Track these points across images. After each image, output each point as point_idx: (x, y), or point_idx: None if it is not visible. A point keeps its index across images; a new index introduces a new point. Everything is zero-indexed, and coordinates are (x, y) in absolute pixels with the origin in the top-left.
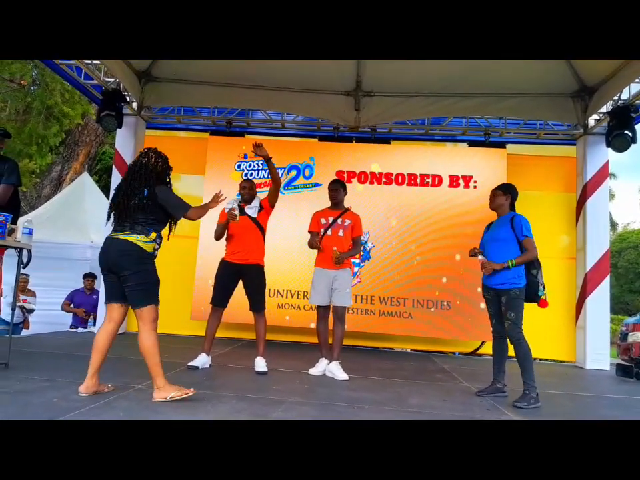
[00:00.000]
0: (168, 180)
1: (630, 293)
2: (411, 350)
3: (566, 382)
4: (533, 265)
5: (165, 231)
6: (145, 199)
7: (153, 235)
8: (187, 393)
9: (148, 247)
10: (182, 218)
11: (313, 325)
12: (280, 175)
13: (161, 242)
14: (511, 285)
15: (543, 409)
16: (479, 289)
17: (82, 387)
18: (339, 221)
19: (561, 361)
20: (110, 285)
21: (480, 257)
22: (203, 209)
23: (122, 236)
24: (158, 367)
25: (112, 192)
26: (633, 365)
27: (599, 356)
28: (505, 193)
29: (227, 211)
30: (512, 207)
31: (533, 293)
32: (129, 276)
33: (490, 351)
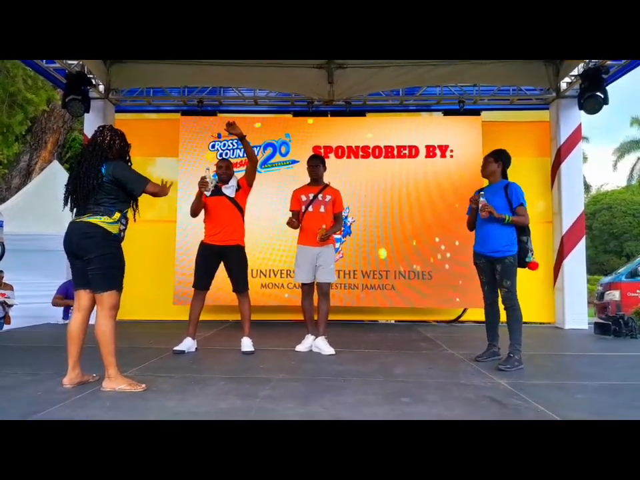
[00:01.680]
0: (127, 158)
1: (605, 254)
2: (395, 321)
3: (546, 342)
4: (524, 232)
5: (130, 214)
6: (103, 177)
7: (117, 215)
8: (136, 389)
9: (112, 228)
10: (142, 193)
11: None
12: (256, 153)
13: (126, 223)
14: (505, 252)
15: (524, 370)
16: (458, 256)
17: (65, 379)
18: (320, 196)
19: (540, 323)
20: (75, 271)
21: (481, 198)
22: (160, 188)
23: (85, 218)
24: (111, 355)
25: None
26: (609, 322)
27: (577, 316)
28: (497, 160)
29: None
30: (504, 174)
31: (522, 258)
32: (92, 259)
33: (472, 318)
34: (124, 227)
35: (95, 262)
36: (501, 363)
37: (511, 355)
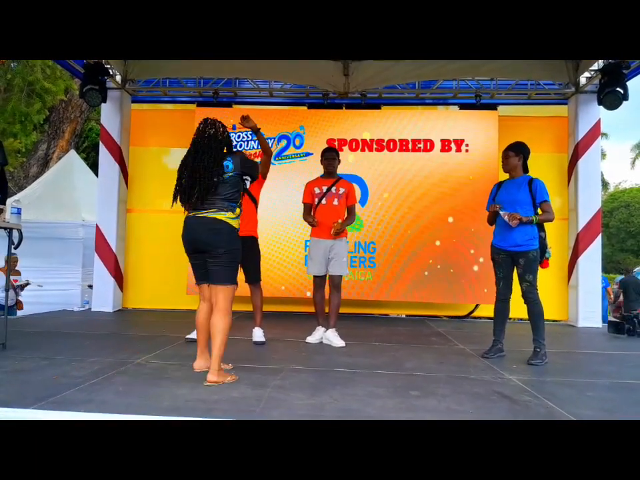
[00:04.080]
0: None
1: (621, 252)
2: (406, 315)
3: (558, 340)
4: (541, 228)
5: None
6: (230, 173)
7: (238, 211)
8: (233, 379)
9: (236, 224)
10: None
11: (309, 294)
12: (270, 145)
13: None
14: (529, 246)
15: (536, 367)
16: (472, 251)
17: (195, 364)
18: (333, 189)
19: (554, 320)
20: (197, 266)
21: (502, 211)
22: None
23: (210, 214)
24: (221, 349)
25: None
26: (624, 321)
27: (591, 314)
28: (517, 153)
29: None
30: (524, 167)
31: (541, 254)
32: (222, 254)
33: (484, 314)
34: (238, 223)
35: (224, 257)
36: (530, 358)
37: (538, 350)
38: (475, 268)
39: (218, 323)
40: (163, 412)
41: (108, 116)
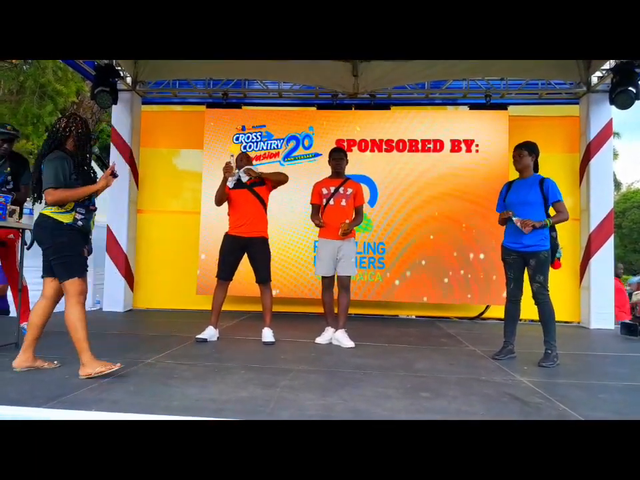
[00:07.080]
0: (88, 147)
1: (634, 253)
2: (416, 316)
3: (570, 341)
4: (552, 228)
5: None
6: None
7: (70, 205)
8: (112, 368)
9: (64, 218)
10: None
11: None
12: (279, 146)
13: (87, 212)
14: (540, 247)
15: (547, 369)
16: (482, 254)
17: (14, 362)
18: (341, 190)
19: (565, 322)
20: (43, 258)
21: (514, 218)
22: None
23: (41, 210)
24: (83, 342)
25: None
26: (636, 323)
27: (603, 315)
28: (531, 153)
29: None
30: (535, 167)
31: (552, 254)
32: (46, 250)
33: (494, 315)
34: (82, 216)
35: (50, 253)
36: (541, 360)
37: (549, 352)
38: (485, 269)
39: (68, 317)
40: (173, 411)
41: (118, 117)
